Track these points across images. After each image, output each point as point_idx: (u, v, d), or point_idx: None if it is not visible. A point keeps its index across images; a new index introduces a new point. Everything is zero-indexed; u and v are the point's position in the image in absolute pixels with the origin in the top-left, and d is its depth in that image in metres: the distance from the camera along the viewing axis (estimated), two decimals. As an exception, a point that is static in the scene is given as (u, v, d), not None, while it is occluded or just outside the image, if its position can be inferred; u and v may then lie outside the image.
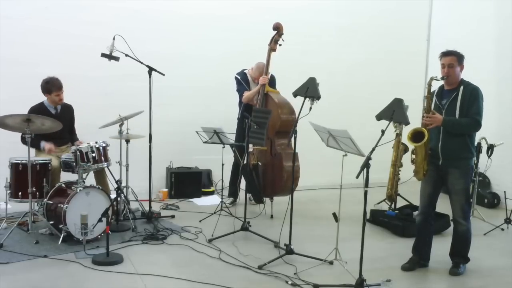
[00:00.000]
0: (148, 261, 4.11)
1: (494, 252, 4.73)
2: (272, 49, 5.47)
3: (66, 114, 5.20)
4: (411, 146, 4.03)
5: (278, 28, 5.44)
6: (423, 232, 4.21)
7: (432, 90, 3.98)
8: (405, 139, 4.15)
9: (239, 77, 5.79)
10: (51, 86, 4.99)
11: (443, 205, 4.58)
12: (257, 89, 5.55)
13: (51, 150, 4.98)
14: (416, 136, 3.90)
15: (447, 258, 4.20)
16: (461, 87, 3.94)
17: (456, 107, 3.92)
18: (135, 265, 4.00)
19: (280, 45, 5.45)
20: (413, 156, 4.04)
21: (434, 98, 4.06)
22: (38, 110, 4.94)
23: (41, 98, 5.09)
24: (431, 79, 3.92)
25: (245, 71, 5.86)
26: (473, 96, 3.89)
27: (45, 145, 4.95)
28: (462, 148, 3.95)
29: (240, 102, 5.80)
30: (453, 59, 3.93)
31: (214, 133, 5.16)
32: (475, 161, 4.51)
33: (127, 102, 5.66)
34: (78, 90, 5.51)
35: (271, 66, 5.57)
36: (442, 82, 4.06)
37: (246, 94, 5.65)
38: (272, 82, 5.73)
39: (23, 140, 4.81)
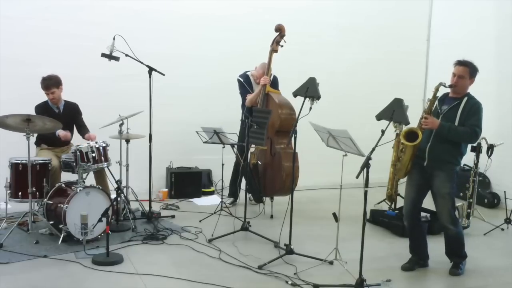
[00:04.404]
0: (148, 261, 4.11)
1: (494, 252, 4.73)
2: (273, 50, 5.47)
3: (68, 113, 5.21)
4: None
5: (280, 30, 5.43)
6: (414, 234, 4.21)
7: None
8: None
9: (241, 80, 5.77)
10: (41, 85, 5.03)
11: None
12: (259, 90, 5.54)
13: (66, 136, 5.04)
14: (409, 135, 3.90)
15: (447, 258, 4.20)
16: (465, 98, 3.93)
17: (457, 115, 3.90)
18: (135, 265, 4.00)
19: (282, 46, 5.45)
20: (401, 154, 4.05)
21: (436, 102, 4.04)
22: (42, 108, 5.03)
23: (41, 97, 5.11)
24: (440, 84, 3.91)
25: (247, 73, 5.83)
26: (474, 109, 3.88)
27: (59, 132, 4.96)
28: (450, 154, 3.93)
29: (243, 105, 5.79)
30: (465, 71, 3.90)
31: (214, 133, 5.15)
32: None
33: (127, 102, 5.68)
34: (78, 90, 5.51)
35: (272, 67, 5.58)
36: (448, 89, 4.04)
37: (249, 97, 5.63)
38: (274, 83, 5.72)
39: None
